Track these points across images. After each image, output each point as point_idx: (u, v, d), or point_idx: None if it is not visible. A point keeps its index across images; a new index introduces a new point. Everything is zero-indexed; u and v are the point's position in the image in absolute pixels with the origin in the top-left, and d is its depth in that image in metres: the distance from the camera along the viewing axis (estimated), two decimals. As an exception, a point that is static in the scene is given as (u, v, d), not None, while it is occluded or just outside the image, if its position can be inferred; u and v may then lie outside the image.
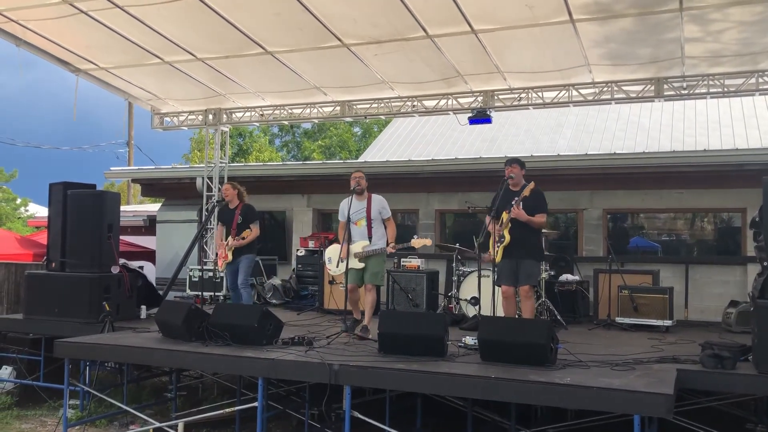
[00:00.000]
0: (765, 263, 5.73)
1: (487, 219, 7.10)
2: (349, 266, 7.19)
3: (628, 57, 8.74)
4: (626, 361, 5.72)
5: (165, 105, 11.91)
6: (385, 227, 7.34)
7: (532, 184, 6.84)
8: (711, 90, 9.13)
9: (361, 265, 7.21)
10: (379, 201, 7.37)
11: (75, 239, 8.44)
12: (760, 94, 9.37)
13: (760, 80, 8.80)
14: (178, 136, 60.53)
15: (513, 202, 6.81)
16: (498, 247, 6.92)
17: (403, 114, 11.19)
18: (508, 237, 6.87)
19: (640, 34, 8.10)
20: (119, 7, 8.28)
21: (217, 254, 8.85)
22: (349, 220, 7.27)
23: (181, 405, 7.84)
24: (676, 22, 7.70)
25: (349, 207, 7.30)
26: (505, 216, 6.89)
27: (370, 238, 7.23)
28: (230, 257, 8.49)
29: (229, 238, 8.51)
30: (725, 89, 9.08)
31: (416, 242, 7.29)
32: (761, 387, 5.35)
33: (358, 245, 7.22)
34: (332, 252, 7.50)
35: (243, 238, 8.40)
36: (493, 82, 9.79)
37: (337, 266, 7.34)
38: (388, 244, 7.30)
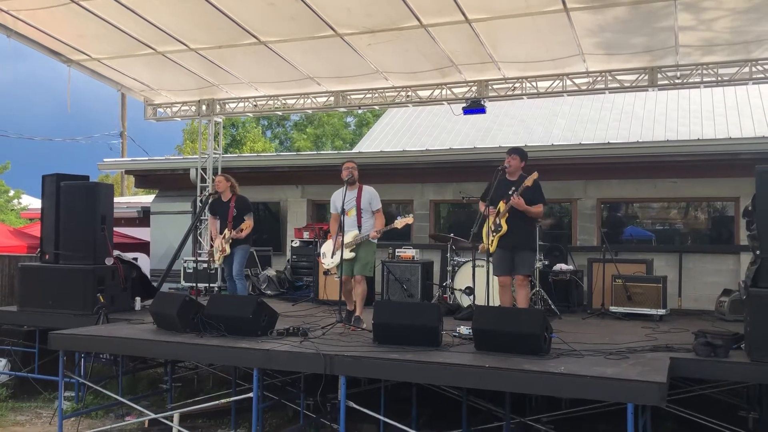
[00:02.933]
0: (757, 252, 5.75)
1: (482, 205, 7.08)
2: (342, 257, 7.20)
3: (621, 46, 8.73)
4: (620, 350, 5.74)
5: (158, 96, 11.85)
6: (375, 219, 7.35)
7: (535, 174, 6.82)
8: (705, 79, 9.12)
9: (352, 255, 7.21)
10: (369, 192, 7.36)
11: (69, 231, 8.42)
12: (753, 83, 9.37)
13: (754, 69, 8.81)
14: (171, 127, 60.41)
15: (511, 192, 6.82)
16: (493, 236, 6.92)
17: (397, 104, 11.16)
18: (505, 226, 6.87)
19: (633, 23, 8.09)
20: (111, -3, 8.23)
21: (212, 246, 8.83)
22: (343, 211, 7.28)
23: (176, 396, 7.86)
24: (670, 10, 7.69)
25: (343, 197, 7.30)
26: (502, 206, 6.88)
27: (359, 227, 7.24)
28: (228, 250, 8.48)
29: (225, 230, 8.50)
30: (719, 78, 9.07)
31: (399, 222, 7.21)
32: (753, 375, 5.39)
33: (349, 235, 7.23)
34: (326, 247, 7.54)
35: (241, 230, 8.39)
36: (487, 71, 9.76)
37: (332, 257, 7.36)
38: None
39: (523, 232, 6.93)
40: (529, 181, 6.79)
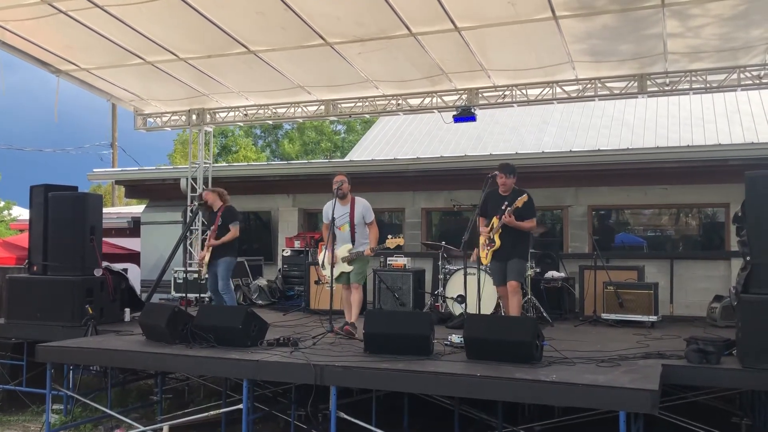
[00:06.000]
0: (748, 258, 5.75)
1: (480, 220, 7.18)
2: (340, 271, 7.27)
3: (610, 53, 8.76)
4: (612, 358, 5.73)
5: (148, 106, 11.81)
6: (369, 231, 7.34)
7: (525, 197, 6.91)
8: (693, 86, 9.16)
9: (350, 268, 7.29)
10: (362, 205, 7.35)
11: (57, 242, 8.35)
12: (741, 90, 9.40)
13: (742, 76, 8.84)
14: (163, 136, 60.26)
15: (504, 208, 6.92)
16: (488, 250, 7.02)
17: (387, 113, 11.15)
18: (498, 242, 7.03)
19: (622, 30, 8.13)
20: (99, 7, 8.18)
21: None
22: (333, 223, 7.28)
23: (166, 408, 7.78)
24: (658, 17, 7.72)
25: (333, 211, 7.29)
26: (495, 221, 7.02)
27: (353, 241, 7.26)
28: (207, 258, 8.42)
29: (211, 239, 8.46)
30: (707, 85, 9.11)
31: (390, 242, 7.21)
32: (745, 381, 5.39)
33: (344, 249, 7.27)
34: (324, 258, 7.49)
35: (218, 240, 8.36)
36: (478, 79, 9.77)
37: (330, 272, 7.35)
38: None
39: (515, 245, 7.07)
40: (519, 203, 6.89)
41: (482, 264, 7.25)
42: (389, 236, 7.25)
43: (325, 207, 7.47)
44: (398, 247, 7.38)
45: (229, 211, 8.58)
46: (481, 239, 7.16)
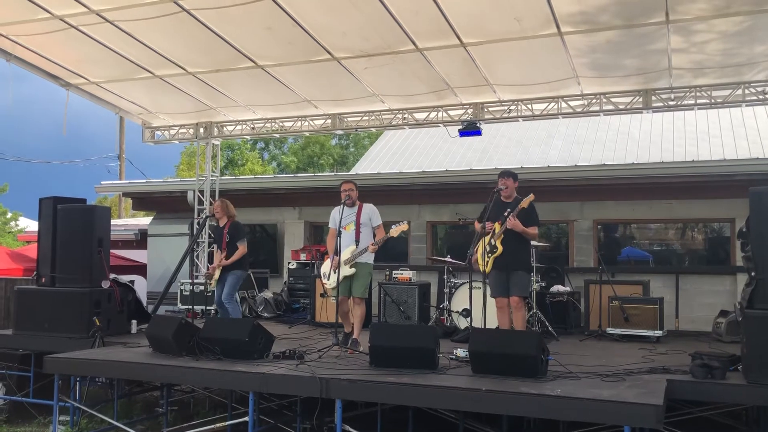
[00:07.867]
0: (753, 273, 5.76)
1: (477, 225, 7.12)
2: (342, 275, 7.19)
3: (615, 69, 8.80)
4: (617, 372, 5.74)
5: (156, 119, 11.91)
6: (374, 235, 7.33)
7: (531, 196, 6.88)
8: (698, 101, 9.18)
9: (352, 270, 7.21)
10: (369, 208, 7.39)
11: (65, 254, 8.42)
12: (746, 105, 9.43)
13: (747, 91, 8.87)
14: (170, 149, 60.53)
15: (506, 213, 6.84)
16: (488, 257, 6.93)
17: (393, 127, 11.22)
18: (500, 248, 6.89)
19: (626, 45, 8.17)
20: (109, 22, 8.29)
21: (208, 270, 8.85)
22: (339, 228, 7.28)
23: (172, 420, 7.78)
24: (662, 32, 7.77)
25: (341, 214, 7.32)
26: (497, 227, 6.91)
27: (357, 242, 7.23)
28: (217, 275, 8.51)
29: (221, 257, 8.54)
30: (712, 100, 9.14)
31: (394, 231, 7.19)
32: (750, 397, 5.38)
33: (347, 251, 7.24)
34: (326, 267, 7.49)
35: (226, 259, 8.44)
36: (483, 94, 9.84)
37: (329, 279, 7.35)
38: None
39: (517, 253, 6.95)
40: (525, 203, 6.83)
41: (481, 272, 7.17)
42: (393, 226, 7.21)
43: (333, 212, 7.51)
44: (404, 241, 7.29)
45: (236, 228, 8.64)
46: (480, 248, 7.02)
